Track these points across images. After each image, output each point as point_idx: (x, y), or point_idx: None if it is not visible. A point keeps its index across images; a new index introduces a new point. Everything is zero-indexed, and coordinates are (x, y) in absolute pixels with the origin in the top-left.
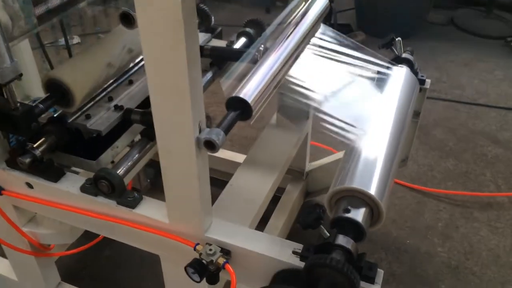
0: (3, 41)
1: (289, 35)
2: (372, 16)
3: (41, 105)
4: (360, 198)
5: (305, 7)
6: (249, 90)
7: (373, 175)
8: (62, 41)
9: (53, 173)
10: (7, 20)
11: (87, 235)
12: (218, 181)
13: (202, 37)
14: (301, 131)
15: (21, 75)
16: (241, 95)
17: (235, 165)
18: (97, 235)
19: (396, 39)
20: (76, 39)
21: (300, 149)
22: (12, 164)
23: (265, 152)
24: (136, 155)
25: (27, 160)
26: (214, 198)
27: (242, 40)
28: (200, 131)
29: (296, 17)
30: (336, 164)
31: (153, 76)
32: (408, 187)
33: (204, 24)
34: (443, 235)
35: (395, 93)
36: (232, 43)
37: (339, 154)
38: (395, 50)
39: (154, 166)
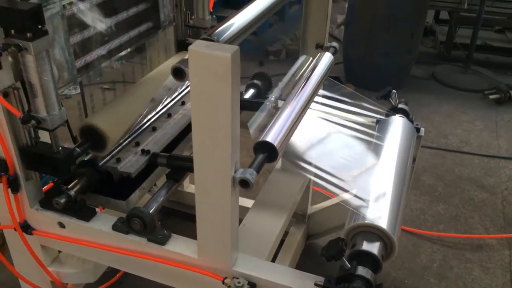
0: (54, 90)
1: (302, 88)
2: (360, 70)
3: (77, 149)
4: (374, 233)
5: (313, 62)
6: (274, 135)
7: (385, 212)
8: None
9: (86, 213)
10: (55, 71)
11: (103, 276)
12: None
13: None
14: (304, 176)
15: (66, 121)
16: (269, 140)
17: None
18: (114, 275)
19: (392, 91)
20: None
21: (303, 193)
22: (46, 204)
23: (274, 196)
24: (163, 196)
25: (63, 200)
26: None
27: (251, 91)
28: (235, 171)
29: (306, 72)
30: (337, 207)
31: (198, 123)
32: (403, 230)
33: None
34: (439, 275)
35: (397, 139)
36: (242, 94)
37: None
38: (391, 101)
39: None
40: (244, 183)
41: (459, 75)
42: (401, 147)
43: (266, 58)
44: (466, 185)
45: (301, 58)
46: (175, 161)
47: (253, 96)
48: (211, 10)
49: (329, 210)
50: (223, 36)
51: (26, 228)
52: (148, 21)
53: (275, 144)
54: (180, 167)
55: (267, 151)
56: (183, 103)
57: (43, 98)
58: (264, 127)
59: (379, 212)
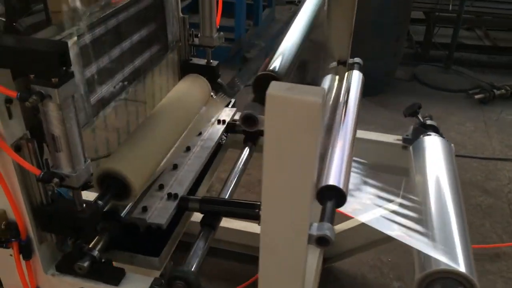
0: (80, 140)
1: (343, 117)
2: None
3: (100, 202)
4: (454, 278)
5: (344, 84)
6: (336, 177)
7: (457, 251)
8: None
9: (113, 275)
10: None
11: None
12: (234, 253)
13: (230, 112)
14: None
15: (91, 174)
16: (335, 183)
17: (252, 235)
18: None
19: (420, 108)
20: None
21: None
22: (64, 268)
23: None
24: (202, 248)
25: (87, 264)
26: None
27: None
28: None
29: (341, 95)
30: (355, 228)
31: (273, 175)
32: None
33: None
34: None
35: (441, 163)
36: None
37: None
38: (420, 118)
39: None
40: (322, 241)
41: (441, 75)
42: (449, 171)
43: (244, 66)
44: (470, 191)
45: (327, 78)
46: (210, 206)
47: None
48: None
49: (346, 233)
50: (280, 69)
51: None
52: (156, 43)
53: (342, 188)
54: (216, 212)
55: (334, 197)
56: (200, 133)
57: (69, 152)
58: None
59: (451, 252)
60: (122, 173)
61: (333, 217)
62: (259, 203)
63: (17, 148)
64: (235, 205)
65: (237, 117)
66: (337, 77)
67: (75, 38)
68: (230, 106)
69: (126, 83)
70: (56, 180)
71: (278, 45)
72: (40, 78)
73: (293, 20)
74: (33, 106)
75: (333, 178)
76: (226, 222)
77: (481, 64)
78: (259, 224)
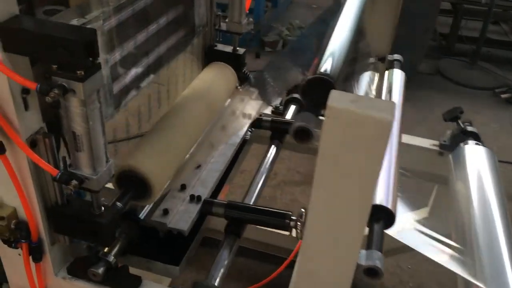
0: (104, 140)
1: None
2: None
3: (119, 204)
4: None
5: (385, 83)
6: (385, 196)
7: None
8: None
9: (130, 283)
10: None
11: None
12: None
13: (256, 105)
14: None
15: (113, 176)
16: (383, 203)
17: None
18: None
19: (462, 112)
20: None
21: None
22: (76, 272)
23: None
24: (227, 259)
25: (101, 270)
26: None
27: (292, 108)
28: None
29: (382, 95)
30: None
31: (324, 195)
32: None
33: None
34: None
35: (487, 175)
36: (278, 108)
37: None
38: (460, 124)
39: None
40: (371, 272)
41: (466, 71)
42: (495, 185)
43: (262, 50)
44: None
45: (366, 75)
46: (236, 212)
47: (296, 113)
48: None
49: None
50: (332, 72)
51: None
52: (183, 26)
53: (390, 207)
54: (241, 220)
55: (382, 218)
56: (223, 128)
57: (90, 153)
58: None
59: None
60: (142, 171)
61: (382, 243)
62: (290, 212)
63: (33, 144)
64: (264, 213)
65: (264, 110)
66: (376, 75)
67: (101, 22)
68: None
69: (149, 71)
70: (74, 182)
71: (326, 44)
72: (64, 70)
73: (339, 16)
74: (54, 100)
75: (380, 196)
76: None
77: (509, 61)
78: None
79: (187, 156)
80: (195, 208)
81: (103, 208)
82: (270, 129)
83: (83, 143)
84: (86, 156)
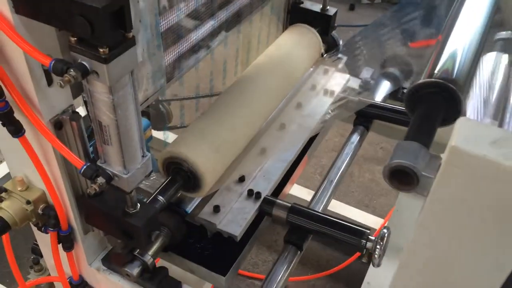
0: (139, 133)
1: None
2: None
3: (161, 198)
4: None
5: None
6: None
7: None
8: None
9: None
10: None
11: None
12: None
13: (342, 79)
14: None
15: (150, 173)
16: None
17: None
18: None
19: None
20: None
21: None
22: (112, 266)
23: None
24: (283, 273)
25: (136, 271)
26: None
27: (386, 84)
28: None
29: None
30: None
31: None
32: None
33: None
34: None
35: None
36: (367, 84)
37: None
38: None
39: None
40: None
41: None
42: None
43: (357, 1)
44: None
45: (490, 57)
46: (300, 219)
47: (389, 93)
48: None
49: None
50: (459, 76)
51: (81, 287)
52: None
53: None
54: (306, 229)
55: None
56: (298, 106)
57: (119, 148)
58: None
59: None
60: (191, 160)
61: None
62: (368, 230)
63: (57, 125)
64: (334, 226)
65: (352, 83)
66: (504, 56)
67: None
68: (341, 69)
69: (214, 35)
70: (101, 180)
71: (446, 36)
72: (84, 45)
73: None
74: (72, 82)
75: None
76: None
77: None
78: (365, 261)
79: (251, 138)
80: (252, 207)
81: (139, 206)
82: (355, 112)
83: (111, 136)
84: (114, 151)
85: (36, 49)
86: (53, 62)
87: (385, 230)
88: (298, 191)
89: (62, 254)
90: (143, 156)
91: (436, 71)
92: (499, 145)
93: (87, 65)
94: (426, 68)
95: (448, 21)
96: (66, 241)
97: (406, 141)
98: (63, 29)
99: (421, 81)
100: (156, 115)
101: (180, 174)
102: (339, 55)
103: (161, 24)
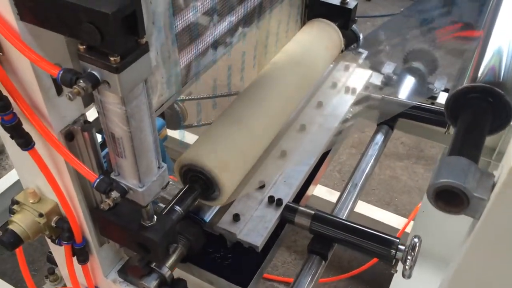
0: (154, 144)
1: None
2: None
3: (178, 208)
4: None
5: None
6: None
7: None
8: None
9: None
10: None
11: None
12: None
13: (363, 75)
14: None
15: (166, 185)
16: None
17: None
18: None
19: None
20: None
21: None
22: (128, 278)
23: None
24: (307, 285)
25: (153, 284)
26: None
27: (410, 80)
28: None
29: None
30: None
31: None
32: None
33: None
34: None
35: None
36: (390, 79)
37: None
38: None
39: None
40: None
41: None
42: None
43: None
44: None
45: None
46: (324, 227)
47: (414, 88)
48: None
49: None
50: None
51: None
52: None
53: None
54: (330, 238)
55: None
56: (319, 105)
57: (134, 160)
58: None
59: None
60: (208, 169)
61: None
62: (397, 240)
63: (69, 136)
64: (361, 235)
65: (374, 80)
66: None
67: None
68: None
69: (231, 31)
70: (115, 194)
71: (488, 32)
72: (93, 53)
73: None
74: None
75: None
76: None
77: None
78: (394, 272)
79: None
80: (273, 215)
81: (155, 218)
82: (379, 109)
83: (124, 148)
84: (129, 164)
85: (43, 58)
86: (61, 73)
87: (416, 240)
88: (317, 190)
89: (77, 265)
90: (159, 168)
91: (479, 74)
92: None
93: (97, 74)
94: (469, 70)
95: (489, 15)
96: (81, 254)
97: (453, 156)
98: (71, 37)
99: (464, 85)
100: (171, 115)
101: (198, 182)
102: (360, 50)
103: (176, 24)
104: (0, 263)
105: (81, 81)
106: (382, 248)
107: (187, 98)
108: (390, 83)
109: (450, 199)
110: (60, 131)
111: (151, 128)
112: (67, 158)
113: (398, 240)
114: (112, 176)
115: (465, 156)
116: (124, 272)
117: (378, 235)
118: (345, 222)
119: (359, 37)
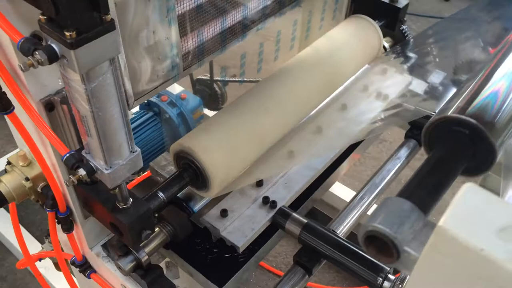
0: (124, 125)
1: None
2: None
3: (161, 195)
4: None
5: None
6: None
7: None
8: None
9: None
10: (128, 87)
11: None
12: None
13: (401, 82)
14: None
15: (140, 171)
16: None
17: None
18: None
19: None
20: None
21: None
22: (112, 254)
23: None
24: None
25: (128, 266)
26: None
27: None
28: None
29: None
30: None
31: None
32: None
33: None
34: None
35: None
36: (435, 90)
37: None
38: None
39: None
40: None
41: None
42: None
43: None
44: None
45: None
46: (313, 240)
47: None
48: None
49: None
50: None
51: (84, 268)
52: None
53: None
54: (318, 252)
55: None
56: (343, 108)
57: (99, 140)
58: None
59: None
60: (197, 157)
61: None
62: (387, 268)
63: (49, 107)
64: (351, 255)
65: (415, 87)
66: None
67: None
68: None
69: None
70: (82, 172)
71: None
72: (53, 25)
73: None
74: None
75: None
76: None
77: None
78: None
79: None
80: (264, 217)
81: (130, 201)
82: (409, 122)
83: (89, 127)
84: (95, 144)
85: (9, 23)
86: (22, 40)
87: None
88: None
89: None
90: (131, 152)
91: (472, 106)
92: (508, 236)
93: (56, 48)
94: (462, 97)
95: (506, 44)
96: (65, 223)
97: (396, 197)
98: (34, 6)
99: (448, 115)
100: (209, 95)
101: (188, 170)
102: (409, 54)
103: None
104: (30, 214)
105: (37, 53)
106: (370, 274)
107: (228, 79)
108: (435, 94)
109: (381, 247)
110: (40, 99)
111: (119, 109)
112: (40, 126)
113: (388, 269)
114: (83, 153)
115: (414, 200)
116: (107, 248)
117: (369, 259)
118: (336, 238)
119: (408, 38)
